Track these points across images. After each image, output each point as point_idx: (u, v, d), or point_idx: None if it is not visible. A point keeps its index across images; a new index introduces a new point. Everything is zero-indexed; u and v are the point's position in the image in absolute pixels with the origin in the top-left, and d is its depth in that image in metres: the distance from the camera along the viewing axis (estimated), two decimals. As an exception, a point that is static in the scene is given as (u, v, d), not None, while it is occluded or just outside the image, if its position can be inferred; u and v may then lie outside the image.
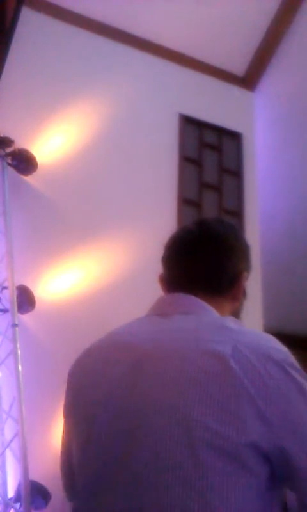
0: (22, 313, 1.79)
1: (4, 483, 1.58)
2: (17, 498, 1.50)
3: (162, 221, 2.28)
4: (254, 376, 0.71)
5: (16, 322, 1.68)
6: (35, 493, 1.49)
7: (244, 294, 0.99)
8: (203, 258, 0.94)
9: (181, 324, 0.84)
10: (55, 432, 1.71)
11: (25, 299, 1.79)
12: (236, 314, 0.99)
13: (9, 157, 1.97)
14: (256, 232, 2.54)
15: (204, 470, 0.68)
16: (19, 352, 1.62)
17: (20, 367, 1.60)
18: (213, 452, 0.68)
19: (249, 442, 0.68)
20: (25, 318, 1.82)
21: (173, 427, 0.71)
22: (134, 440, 0.74)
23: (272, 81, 2.82)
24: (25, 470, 1.46)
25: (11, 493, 1.55)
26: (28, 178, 2.05)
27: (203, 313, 0.87)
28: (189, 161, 2.53)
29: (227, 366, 0.71)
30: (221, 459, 0.68)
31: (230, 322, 0.83)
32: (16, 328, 1.66)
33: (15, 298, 1.73)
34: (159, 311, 0.92)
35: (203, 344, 0.76)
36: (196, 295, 0.91)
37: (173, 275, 0.98)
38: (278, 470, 0.71)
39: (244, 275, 0.97)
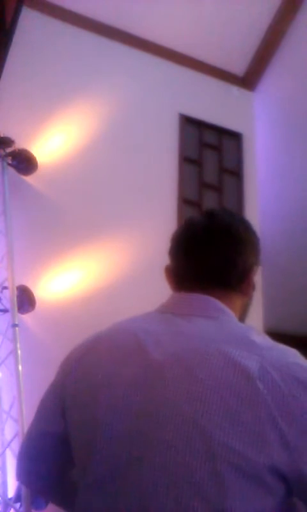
0: (22, 313, 1.79)
1: (5, 483, 1.58)
2: (17, 498, 1.50)
3: (162, 221, 2.28)
4: (278, 397, 0.69)
5: (17, 322, 1.68)
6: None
7: (253, 287, 0.96)
8: (213, 251, 0.91)
9: (202, 330, 0.81)
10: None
11: (25, 299, 1.79)
12: (245, 308, 0.97)
13: (10, 157, 1.97)
14: (256, 231, 2.53)
15: (222, 486, 0.66)
16: (19, 352, 1.62)
17: (20, 367, 1.60)
18: (231, 469, 0.67)
19: (269, 463, 0.67)
20: (26, 318, 1.82)
21: (191, 440, 0.69)
22: (149, 446, 0.72)
23: (272, 81, 2.82)
24: (25, 470, 1.46)
25: (11, 493, 1.55)
26: (28, 178, 2.05)
27: (222, 318, 0.85)
28: (189, 161, 2.53)
29: (253, 384, 0.69)
30: (239, 477, 0.67)
31: (254, 334, 0.80)
32: (17, 328, 1.66)
33: (15, 298, 1.73)
34: (175, 310, 0.88)
35: (229, 357, 0.73)
36: (207, 290, 0.88)
37: (181, 268, 0.94)
38: (295, 491, 0.70)
39: (254, 269, 0.95)
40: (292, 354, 0.77)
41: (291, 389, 0.70)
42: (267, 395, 0.68)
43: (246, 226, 0.98)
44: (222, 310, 0.86)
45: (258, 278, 2.39)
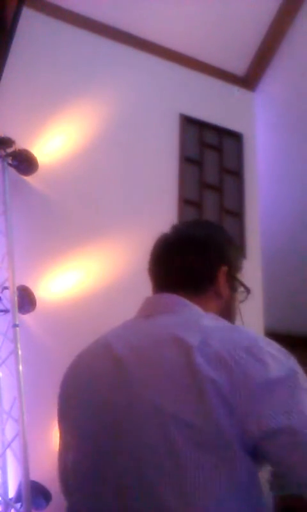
0: (23, 314, 1.80)
1: (5, 483, 1.58)
2: (18, 498, 1.50)
3: (162, 221, 2.24)
4: (219, 365, 0.71)
5: (17, 323, 1.68)
6: (36, 493, 1.50)
7: (235, 289, 0.98)
8: (173, 259, 0.97)
9: (161, 323, 0.86)
10: (56, 433, 1.70)
11: (26, 300, 1.80)
12: (227, 311, 0.97)
13: (10, 158, 1.97)
14: (256, 231, 2.54)
15: (182, 462, 0.69)
16: (20, 352, 1.63)
17: (20, 367, 1.60)
18: (189, 444, 0.69)
19: (223, 432, 0.69)
20: (26, 318, 1.83)
21: (151, 422, 0.73)
22: (119, 438, 0.76)
23: (273, 81, 2.82)
24: (25, 470, 1.46)
25: (11, 493, 1.56)
26: (29, 179, 2.05)
27: (184, 311, 0.88)
28: (190, 161, 2.53)
29: (191, 357, 0.72)
30: (197, 451, 0.69)
31: (206, 318, 0.84)
32: (17, 328, 1.66)
33: (16, 298, 1.73)
34: (144, 312, 0.94)
35: (174, 338, 0.77)
36: (177, 293, 0.92)
37: (155, 280, 1.00)
38: (257, 451, 0.71)
39: (222, 270, 0.96)
40: (240, 329, 0.80)
41: (233, 354, 0.72)
42: (205, 365, 0.71)
43: (208, 232, 1.02)
44: (186, 305, 0.90)
45: (258, 278, 2.40)
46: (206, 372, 0.70)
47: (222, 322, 0.84)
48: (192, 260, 0.95)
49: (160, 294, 0.95)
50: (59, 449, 0.94)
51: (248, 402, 0.69)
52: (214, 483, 0.68)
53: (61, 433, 0.93)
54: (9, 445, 1.55)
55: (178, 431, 0.70)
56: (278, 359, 0.73)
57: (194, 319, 0.85)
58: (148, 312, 0.93)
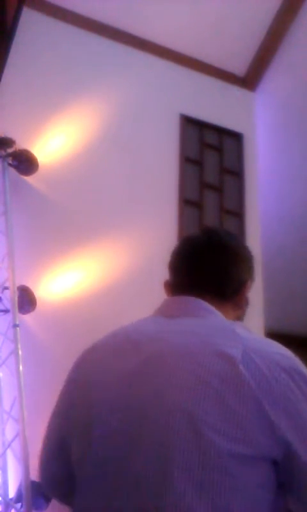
0: (23, 314, 1.80)
1: (5, 483, 1.58)
2: (18, 498, 1.50)
3: (162, 221, 2.28)
4: (262, 381, 0.72)
5: (17, 323, 1.68)
6: (36, 493, 1.49)
7: (246, 302, 1.01)
8: (210, 264, 0.97)
9: (190, 327, 0.85)
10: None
11: (26, 300, 1.80)
12: (239, 321, 1.00)
13: (10, 158, 1.97)
14: (256, 232, 2.53)
15: (212, 470, 0.68)
16: (20, 352, 1.62)
17: (21, 367, 1.60)
18: (221, 453, 0.69)
19: (255, 444, 0.70)
20: (26, 318, 1.83)
21: (181, 427, 0.71)
22: (140, 438, 0.74)
23: (273, 81, 2.82)
24: (26, 471, 1.46)
25: (12, 494, 1.56)
26: (29, 179, 2.05)
27: (209, 317, 0.88)
28: (190, 161, 2.53)
29: (237, 369, 0.73)
30: (229, 460, 0.69)
31: (239, 328, 0.84)
32: (18, 328, 1.66)
33: (16, 298, 1.73)
34: (166, 313, 0.93)
35: (213, 347, 0.77)
36: (201, 297, 0.92)
37: (180, 280, 0.99)
38: (282, 473, 0.72)
39: (248, 284, 1.00)
40: (275, 345, 0.82)
41: (274, 373, 0.73)
42: (250, 379, 0.72)
43: (241, 245, 1.06)
44: (210, 310, 0.90)
45: (259, 278, 2.39)
46: (249, 386, 0.71)
47: (252, 333, 0.84)
48: (230, 268, 0.97)
49: (184, 296, 0.94)
50: (51, 436, 0.93)
51: (287, 429, 0.71)
52: (247, 495, 0.69)
53: (60, 423, 0.92)
54: (9, 445, 1.55)
55: (213, 442, 0.69)
56: None
57: (228, 327, 0.84)
58: (170, 312, 0.92)
